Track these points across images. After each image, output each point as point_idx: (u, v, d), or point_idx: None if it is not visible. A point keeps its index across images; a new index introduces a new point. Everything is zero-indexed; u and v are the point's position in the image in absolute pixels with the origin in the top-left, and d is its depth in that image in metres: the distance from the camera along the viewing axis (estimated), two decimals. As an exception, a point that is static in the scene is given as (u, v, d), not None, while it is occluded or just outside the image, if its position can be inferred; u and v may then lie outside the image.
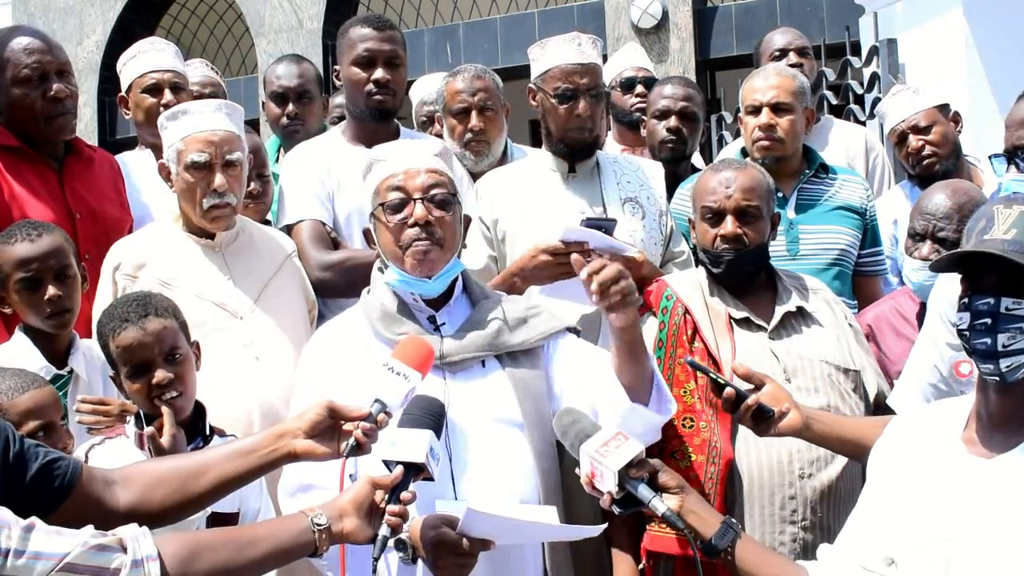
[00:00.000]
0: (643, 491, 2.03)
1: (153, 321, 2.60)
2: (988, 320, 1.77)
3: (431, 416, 2.16)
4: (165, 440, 2.52)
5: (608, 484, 2.04)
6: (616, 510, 2.06)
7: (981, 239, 1.79)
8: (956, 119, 4.14)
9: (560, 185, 3.33)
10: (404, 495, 2.03)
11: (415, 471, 2.07)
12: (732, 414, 2.46)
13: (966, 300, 1.82)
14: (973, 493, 1.80)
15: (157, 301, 2.68)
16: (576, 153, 3.32)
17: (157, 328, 2.60)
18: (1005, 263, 1.74)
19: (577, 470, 2.13)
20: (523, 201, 3.29)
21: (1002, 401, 1.84)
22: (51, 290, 2.88)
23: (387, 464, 2.09)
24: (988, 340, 1.77)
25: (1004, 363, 1.77)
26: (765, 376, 2.47)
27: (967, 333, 1.81)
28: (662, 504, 2.02)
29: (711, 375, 2.45)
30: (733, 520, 2.06)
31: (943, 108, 4.08)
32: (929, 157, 3.97)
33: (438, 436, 2.13)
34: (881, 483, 1.98)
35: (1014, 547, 1.71)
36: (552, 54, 3.28)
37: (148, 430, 2.57)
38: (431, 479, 2.11)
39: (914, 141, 3.99)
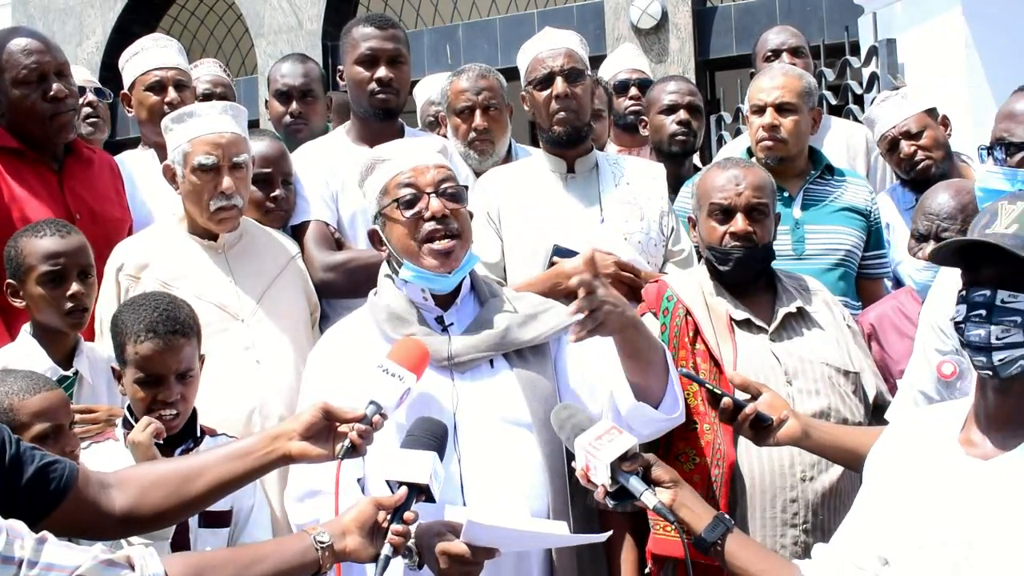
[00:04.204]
0: (635, 484, 2.05)
1: (179, 339, 2.61)
2: (983, 311, 1.77)
3: (434, 438, 2.16)
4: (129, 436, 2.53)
5: (601, 477, 2.06)
6: (610, 503, 2.09)
7: (983, 232, 1.80)
8: (945, 122, 4.11)
9: (559, 186, 3.33)
10: (407, 515, 2.04)
11: (418, 492, 2.08)
12: (730, 424, 2.45)
13: (963, 292, 1.83)
14: (974, 495, 1.79)
15: (184, 316, 2.66)
16: (568, 142, 3.29)
17: (180, 347, 2.61)
18: (1004, 256, 1.75)
19: (573, 463, 2.16)
20: (522, 201, 3.28)
21: (1000, 402, 1.83)
22: (75, 286, 2.89)
23: (389, 484, 2.09)
24: (982, 332, 1.77)
25: (997, 356, 1.77)
26: (762, 385, 2.47)
27: (962, 325, 1.81)
28: (653, 497, 2.04)
29: (707, 386, 2.44)
30: (725, 515, 2.08)
31: (931, 112, 4.05)
32: (924, 161, 3.94)
33: (441, 458, 2.14)
34: (878, 484, 1.98)
35: (1020, 550, 1.70)
36: (529, 51, 3.37)
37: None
38: (433, 501, 2.12)
39: (906, 147, 3.96)
